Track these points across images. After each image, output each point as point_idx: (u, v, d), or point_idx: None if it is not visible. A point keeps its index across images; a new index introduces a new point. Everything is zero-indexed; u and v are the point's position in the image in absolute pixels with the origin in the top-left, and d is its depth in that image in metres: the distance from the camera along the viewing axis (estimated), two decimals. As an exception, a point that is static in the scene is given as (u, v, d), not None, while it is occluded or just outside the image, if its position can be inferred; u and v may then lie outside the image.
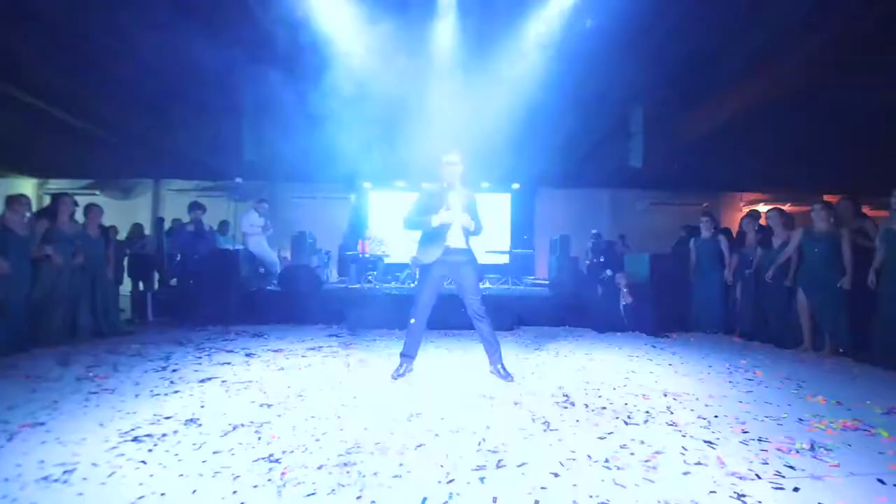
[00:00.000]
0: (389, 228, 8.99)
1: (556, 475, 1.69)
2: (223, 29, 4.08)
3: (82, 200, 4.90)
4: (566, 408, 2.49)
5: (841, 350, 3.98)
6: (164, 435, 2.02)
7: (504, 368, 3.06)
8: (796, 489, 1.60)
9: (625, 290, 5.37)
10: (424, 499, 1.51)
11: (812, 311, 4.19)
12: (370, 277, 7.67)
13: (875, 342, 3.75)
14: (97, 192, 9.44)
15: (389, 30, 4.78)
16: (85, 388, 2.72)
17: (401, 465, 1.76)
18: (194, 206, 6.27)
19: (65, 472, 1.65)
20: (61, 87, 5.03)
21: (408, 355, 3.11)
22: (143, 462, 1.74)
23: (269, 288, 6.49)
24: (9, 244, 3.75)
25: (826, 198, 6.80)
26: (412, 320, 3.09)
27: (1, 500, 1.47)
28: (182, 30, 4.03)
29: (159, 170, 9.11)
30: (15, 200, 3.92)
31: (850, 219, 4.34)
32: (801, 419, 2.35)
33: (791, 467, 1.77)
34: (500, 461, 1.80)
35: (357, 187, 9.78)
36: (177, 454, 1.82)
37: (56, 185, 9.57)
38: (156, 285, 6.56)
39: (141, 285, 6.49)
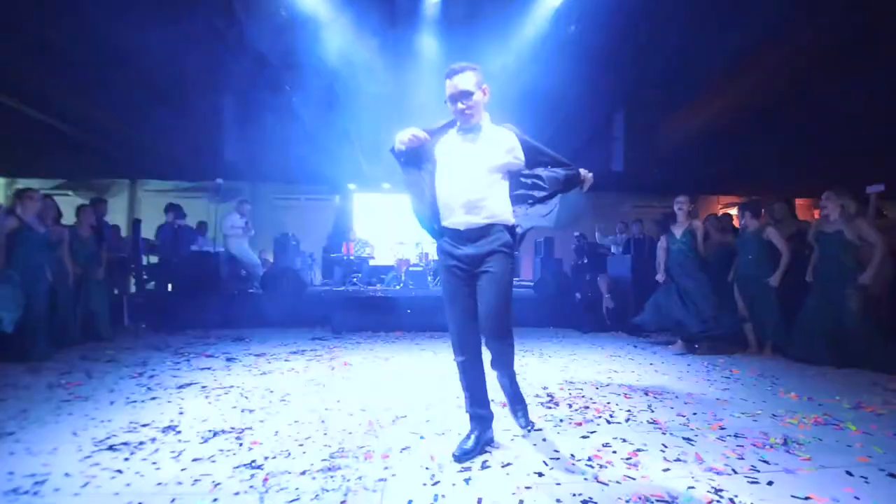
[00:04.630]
0: (374, 230, 8.96)
1: (541, 475, 1.71)
2: (205, 27, 4.02)
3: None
4: (550, 408, 2.52)
5: (772, 346, 3.97)
6: (140, 443, 1.96)
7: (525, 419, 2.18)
8: (770, 483, 1.66)
9: (607, 295, 5.45)
10: (410, 501, 1.51)
11: (748, 310, 4.15)
12: (355, 280, 7.63)
13: (795, 337, 3.79)
14: (69, 193, 9.10)
15: (376, 32, 4.78)
16: (57, 395, 2.63)
17: (385, 468, 1.75)
18: (170, 208, 6.14)
19: (35, 483, 1.59)
20: (32, 84, 4.87)
21: (477, 416, 1.92)
22: (119, 471, 1.69)
23: (250, 291, 6.38)
24: None
25: (798, 200, 7.07)
26: (458, 358, 1.93)
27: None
28: (161, 28, 3.95)
29: (136, 170, 8.86)
30: None
31: (788, 221, 4.41)
32: (774, 415, 2.43)
33: (766, 462, 1.83)
34: (484, 462, 1.81)
35: (341, 189, 9.70)
36: (154, 462, 1.77)
37: (26, 184, 9.19)
38: (132, 289, 6.38)
39: (115, 289, 6.29)
